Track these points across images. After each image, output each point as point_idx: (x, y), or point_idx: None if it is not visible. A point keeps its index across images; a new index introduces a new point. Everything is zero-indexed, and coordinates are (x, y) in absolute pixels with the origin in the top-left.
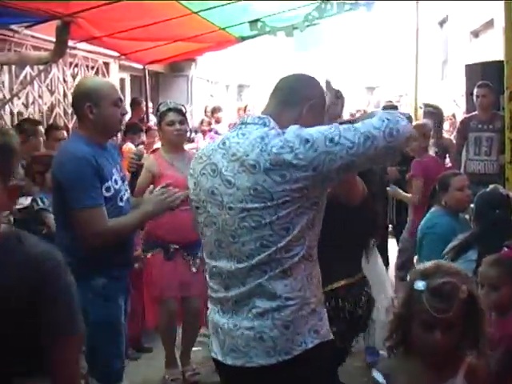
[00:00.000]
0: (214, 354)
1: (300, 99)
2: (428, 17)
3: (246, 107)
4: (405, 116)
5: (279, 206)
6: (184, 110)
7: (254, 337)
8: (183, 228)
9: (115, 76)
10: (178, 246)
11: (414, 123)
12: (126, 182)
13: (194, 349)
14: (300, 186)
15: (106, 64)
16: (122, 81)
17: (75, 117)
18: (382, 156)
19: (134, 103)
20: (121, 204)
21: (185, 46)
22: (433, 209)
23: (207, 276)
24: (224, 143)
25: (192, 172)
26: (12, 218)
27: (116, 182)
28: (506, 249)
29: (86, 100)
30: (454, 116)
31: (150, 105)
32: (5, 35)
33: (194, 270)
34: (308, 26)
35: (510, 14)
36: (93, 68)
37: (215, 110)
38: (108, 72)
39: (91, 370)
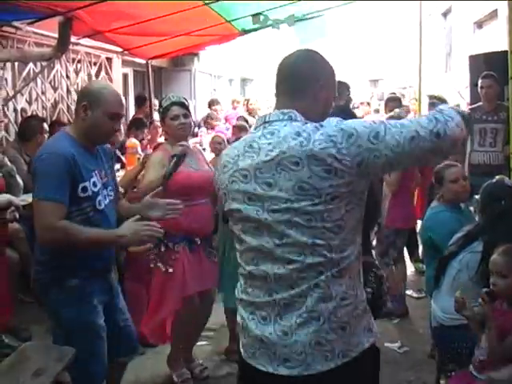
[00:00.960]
0: (261, 366)
1: (308, 84)
2: (432, 8)
3: (248, 101)
4: (459, 114)
5: (328, 202)
6: (187, 103)
7: (311, 342)
8: (205, 219)
9: (118, 71)
10: (200, 239)
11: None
12: (111, 188)
13: (199, 343)
14: (346, 181)
15: (109, 59)
16: (125, 76)
17: None
18: (428, 156)
19: (140, 99)
20: (99, 208)
21: (188, 40)
22: (432, 204)
23: (242, 282)
24: (251, 146)
25: (219, 184)
26: (17, 215)
27: (95, 184)
28: None
29: (84, 99)
30: (458, 106)
31: (155, 101)
32: (7, 32)
33: (214, 260)
34: (310, 15)
35: None
36: (95, 64)
37: (213, 103)
38: (111, 67)
39: (70, 373)
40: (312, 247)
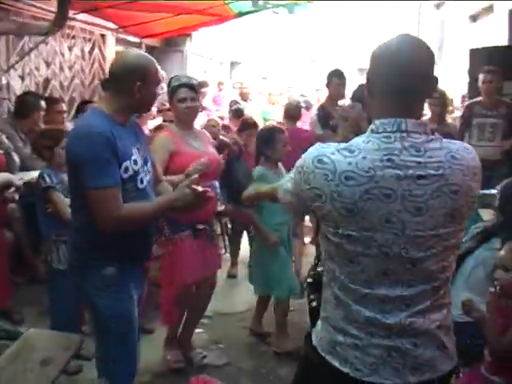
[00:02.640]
0: (388, 380)
1: (419, 97)
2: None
3: (242, 85)
4: None
5: (461, 229)
6: (197, 86)
7: (436, 348)
8: (210, 205)
9: (111, 49)
10: (203, 225)
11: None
12: (151, 163)
13: (196, 331)
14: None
15: (103, 36)
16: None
17: (71, 90)
18: None
19: None
20: (141, 186)
21: (182, 20)
22: None
23: (344, 301)
24: (390, 160)
25: (336, 196)
26: (17, 196)
27: (135, 162)
28: None
29: (136, 77)
30: (464, 97)
31: None
32: (5, 3)
33: (215, 243)
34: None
35: None
36: (90, 40)
37: (200, 85)
38: (105, 45)
39: (99, 369)
40: (440, 270)
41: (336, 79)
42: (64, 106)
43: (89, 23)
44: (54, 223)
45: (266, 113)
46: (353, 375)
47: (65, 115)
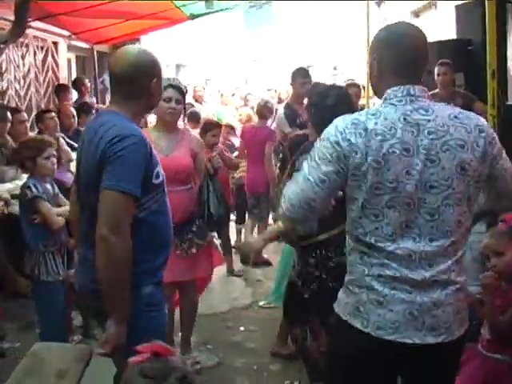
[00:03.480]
0: (407, 338)
1: (421, 70)
2: None
3: (195, 88)
4: None
5: (475, 184)
6: (184, 90)
7: (453, 312)
8: (179, 209)
9: (64, 56)
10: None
11: None
12: None
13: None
14: (486, 169)
15: (55, 44)
16: (69, 61)
17: (27, 99)
18: None
19: (78, 82)
20: (165, 191)
21: (133, 25)
22: None
23: (372, 260)
24: (406, 119)
25: (369, 150)
26: (5, 210)
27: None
28: (500, 223)
29: (152, 75)
30: None
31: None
32: None
33: (186, 254)
34: (264, 3)
35: None
36: (42, 48)
37: None
38: (57, 52)
39: None
40: (456, 225)
41: (301, 78)
42: (25, 116)
43: (41, 30)
44: (41, 234)
45: (220, 113)
46: (374, 335)
47: (27, 124)
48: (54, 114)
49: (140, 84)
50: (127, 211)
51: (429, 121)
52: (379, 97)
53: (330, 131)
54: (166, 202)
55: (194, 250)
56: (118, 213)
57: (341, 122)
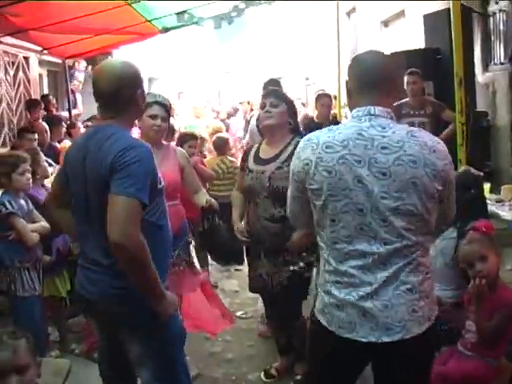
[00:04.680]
0: (362, 337)
1: (392, 85)
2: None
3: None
4: None
5: (428, 200)
6: (169, 108)
7: (407, 311)
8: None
9: (35, 71)
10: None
11: None
12: None
13: None
14: (440, 190)
15: (26, 59)
16: (41, 76)
17: (0, 114)
18: None
19: (45, 99)
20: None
21: (105, 39)
22: None
23: (333, 265)
24: (360, 134)
25: (319, 161)
26: None
27: None
28: (471, 231)
29: (137, 85)
30: None
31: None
32: None
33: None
34: (235, 16)
35: (457, 6)
36: (13, 63)
37: None
38: (28, 67)
39: None
40: (409, 231)
41: None
42: None
43: (12, 46)
44: (16, 251)
45: (192, 126)
46: (337, 333)
47: None
48: (35, 135)
49: (128, 96)
50: (137, 216)
51: (384, 136)
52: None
53: (297, 150)
54: (165, 205)
55: (181, 268)
56: (127, 217)
57: (301, 142)
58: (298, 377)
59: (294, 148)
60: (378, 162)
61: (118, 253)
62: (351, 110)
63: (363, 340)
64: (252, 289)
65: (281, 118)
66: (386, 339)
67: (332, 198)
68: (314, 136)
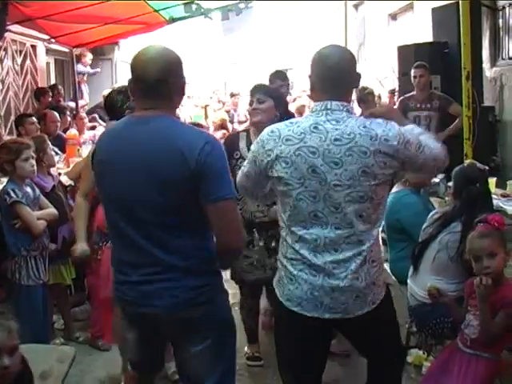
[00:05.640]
0: (308, 312)
1: (352, 79)
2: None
3: None
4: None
5: (378, 185)
6: None
7: (352, 295)
8: None
9: (43, 60)
10: None
11: None
12: None
13: None
14: (391, 172)
15: (33, 47)
16: (48, 65)
17: (6, 103)
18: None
19: (54, 88)
20: None
21: (112, 29)
22: (395, 189)
23: (289, 243)
24: (316, 127)
25: (279, 153)
26: None
27: None
28: (480, 224)
29: (182, 71)
30: (392, 92)
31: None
32: None
33: None
34: (243, 8)
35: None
36: (21, 52)
37: None
38: (36, 56)
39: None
40: (359, 219)
41: (279, 80)
42: None
43: (20, 34)
44: (22, 239)
45: (197, 117)
46: (285, 304)
47: (1, 129)
48: (34, 118)
49: (175, 84)
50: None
51: (337, 129)
52: None
53: (257, 140)
54: None
55: None
56: (239, 221)
57: (264, 133)
58: None
59: None
60: (331, 152)
61: (232, 254)
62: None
63: (307, 314)
64: (237, 280)
65: (268, 114)
66: (327, 316)
67: (289, 186)
68: (276, 129)
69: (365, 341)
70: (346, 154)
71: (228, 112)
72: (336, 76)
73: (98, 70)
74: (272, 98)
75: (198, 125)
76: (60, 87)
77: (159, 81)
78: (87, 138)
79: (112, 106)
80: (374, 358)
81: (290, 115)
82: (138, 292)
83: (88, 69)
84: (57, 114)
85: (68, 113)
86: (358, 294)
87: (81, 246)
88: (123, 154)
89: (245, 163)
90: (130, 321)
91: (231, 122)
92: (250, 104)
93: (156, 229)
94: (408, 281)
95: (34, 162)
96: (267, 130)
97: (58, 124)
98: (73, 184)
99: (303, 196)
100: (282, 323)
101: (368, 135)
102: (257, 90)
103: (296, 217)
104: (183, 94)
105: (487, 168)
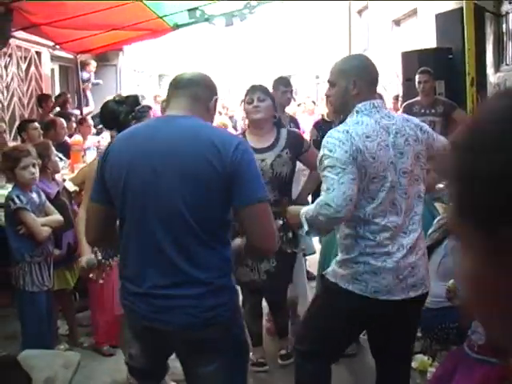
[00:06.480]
0: (397, 296)
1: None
2: (347, 7)
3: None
4: None
5: (424, 168)
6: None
7: (424, 271)
8: None
9: (47, 66)
10: None
11: None
12: None
13: None
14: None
15: (38, 54)
16: (52, 71)
17: (11, 109)
18: None
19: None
20: None
21: (116, 35)
22: None
23: (368, 237)
24: (379, 124)
25: (365, 149)
26: None
27: None
28: None
29: (215, 92)
30: (396, 98)
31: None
32: None
33: None
34: (247, 14)
35: (470, 5)
36: (26, 58)
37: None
38: (40, 62)
39: None
40: (418, 199)
41: (282, 87)
42: (3, 126)
43: (25, 40)
44: (26, 245)
45: None
46: (371, 297)
47: (5, 135)
48: (37, 124)
49: (203, 95)
50: None
51: (393, 124)
52: (344, 112)
53: (335, 143)
54: None
55: None
56: (273, 222)
57: (335, 136)
58: (283, 351)
59: (287, 138)
60: (396, 144)
61: (262, 255)
62: (346, 109)
63: (397, 299)
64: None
65: (268, 112)
66: (412, 295)
67: (375, 179)
68: (344, 130)
69: (399, 331)
70: (405, 144)
71: (231, 118)
72: (377, 79)
73: (100, 81)
74: (270, 99)
75: None
76: (69, 95)
77: (190, 82)
78: (91, 144)
79: (114, 118)
80: (394, 353)
81: (293, 120)
82: (150, 305)
83: (92, 76)
84: (63, 121)
85: (73, 119)
86: (426, 266)
87: (87, 258)
88: (153, 155)
89: (336, 171)
90: (136, 332)
91: (234, 127)
92: (249, 102)
93: (184, 233)
94: None
95: (34, 169)
96: (334, 134)
97: (64, 130)
98: (77, 190)
99: (385, 187)
100: (350, 316)
101: (410, 126)
102: (256, 88)
103: (378, 209)
104: (209, 111)
105: None
